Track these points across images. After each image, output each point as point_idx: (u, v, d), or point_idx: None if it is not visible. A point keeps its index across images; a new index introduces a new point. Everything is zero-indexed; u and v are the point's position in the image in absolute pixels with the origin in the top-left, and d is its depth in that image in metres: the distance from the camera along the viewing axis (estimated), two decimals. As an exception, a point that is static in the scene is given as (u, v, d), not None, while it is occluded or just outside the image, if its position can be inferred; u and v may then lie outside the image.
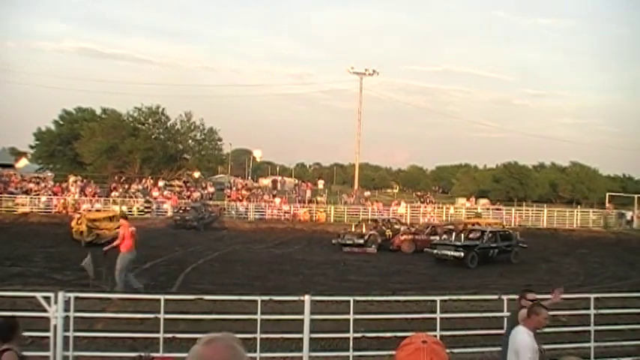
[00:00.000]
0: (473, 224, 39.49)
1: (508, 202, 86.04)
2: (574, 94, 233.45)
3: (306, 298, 10.81)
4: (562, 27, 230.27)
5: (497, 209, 62.33)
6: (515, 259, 31.49)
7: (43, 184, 57.42)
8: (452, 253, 29.59)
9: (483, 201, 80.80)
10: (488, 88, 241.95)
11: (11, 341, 6.64)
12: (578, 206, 78.19)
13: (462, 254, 29.03)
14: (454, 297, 14.04)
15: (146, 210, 50.25)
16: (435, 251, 30.74)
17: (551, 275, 27.19)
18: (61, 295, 10.42)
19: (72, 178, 60.16)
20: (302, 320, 10.69)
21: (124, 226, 19.32)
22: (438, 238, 33.69)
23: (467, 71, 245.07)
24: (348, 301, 11.25)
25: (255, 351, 10.31)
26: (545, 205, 70.02)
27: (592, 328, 11.86)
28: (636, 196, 62.77)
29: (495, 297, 12.78)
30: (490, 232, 32.11)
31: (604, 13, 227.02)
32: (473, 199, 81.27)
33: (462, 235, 32.13)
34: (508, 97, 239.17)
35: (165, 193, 56.97)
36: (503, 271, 28.10)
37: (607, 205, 61.46)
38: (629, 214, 56.65)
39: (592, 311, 12.08)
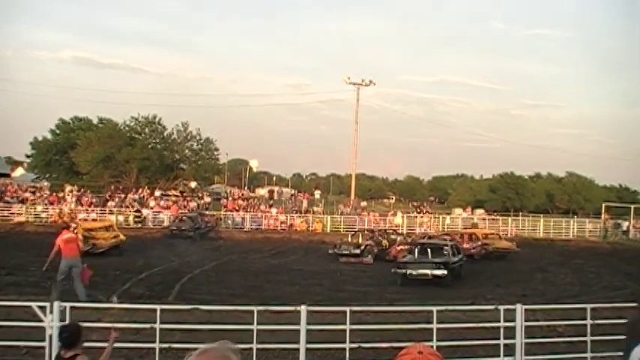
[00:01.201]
0: (423, 236, 39.53)
1: (504, 213, 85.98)
2: (570, 104, 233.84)
3: (303, 308, 10.81)
4: (559, 38, 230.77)
5: (494, 219, 62.33)
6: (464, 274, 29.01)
7: (39, 194, 57.45)
8: (433, 272, 25.93)
9: (480, 211, 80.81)
10: (485, 98, 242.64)
11: (76, 347, 6.95)
12: (575, 216, 78.26)
13: (445, 272, 25.88)
14: (450, 307, 14.04)
15: (137, 220, 50.22)
16: (409, 271, 26.12)
17: (547, 285, 27.20)
18: (56, 304, 10.41)
19: (68, 188, 60.11)
20: (298, 330, 10.69)
21: (59, 236, 19.31)
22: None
23: (463, 81, 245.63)
24: (345, 312, 11.25)
25: (251, 361, 10.32)
26: (541, 216, 70.06)
27: (588, 338, 11.86)
28: (632, 206, 62.81)
29: (492, 307, 12.79)
30: (452, 245, 29.58)
31: (600, 25, 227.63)
32: (469, 209, 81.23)
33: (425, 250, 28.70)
34: (505, 107, 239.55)
35: (162, 203, 56.88)
36: (499, 281, 28.10)
37: (603, 215, 61.48)
38: (625, 225, 56.70)
39: (588, 321, 12.08)
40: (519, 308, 11.60)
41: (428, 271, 25.98)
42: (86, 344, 10.99)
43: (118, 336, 8.09)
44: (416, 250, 28.69)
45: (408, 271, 26.07)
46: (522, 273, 30.84)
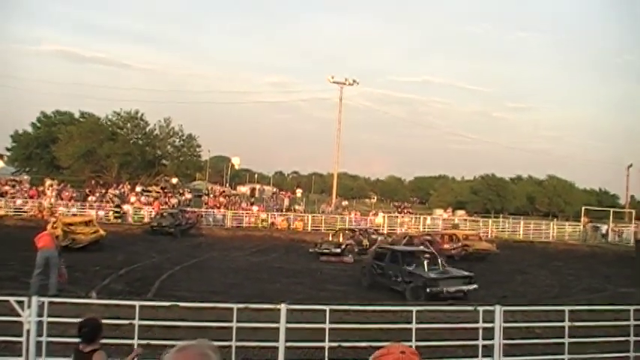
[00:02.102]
0: (404, 236, 39.54)
1: (485, 214, 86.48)
2: (552, 107, 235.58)
3: (283, 306, 10.80)
4: (541, 41, 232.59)
5: (475, 221, 62.60)
6: None
7: (18, 187, 56.91)
8: (467, 287, 22.48)
9: (460, 212, 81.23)
10: (468, 100, 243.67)
11: (95, 342, 7.10)
12: (555, 219, 78.77)
13: (477, 286, 22.89)
14: (430, 307, 14.08)
15: (116, 216, 50.12)
16: (445, 289, 21.70)
17: (526, 287, 27.34)
18: (34, 299, 10.35)
19: (48, 182, 59.66)
20: (278, 329, 10.68)
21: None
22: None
23: (446, 83, 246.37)
24: (324, 311, 11.26)
25: (230, 359, 10.28)
26: (521, 218, 70.54)
27: (566, 340, 11.93)
28: (611, 210, 63.38)
29: (471, 308, 12.83)
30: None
31: (583, 28, 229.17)
32: (450, 210, 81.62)
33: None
34: (487, 109, 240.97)
35: (143, 198, 56.64)
36: (479, 282, 28.14)
37: (583, 218, 61.91)
38: (604, 228, 57.12)
39: (566, 323, 12.14)
40: (498, 309, 11.65)
41: (465, 287, 22.42)
42: (66, 340, 10.99)
43: (142, 353, 8.10)
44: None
45: (445, 289, 21.57)
46: (502, 274, 30.98)
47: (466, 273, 23.58)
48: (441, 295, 21.40)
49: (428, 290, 21.48)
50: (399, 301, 19.98)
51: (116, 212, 50.63)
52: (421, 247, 29.31)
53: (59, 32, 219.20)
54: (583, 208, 66.28)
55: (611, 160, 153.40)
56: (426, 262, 23.44)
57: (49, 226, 28.51)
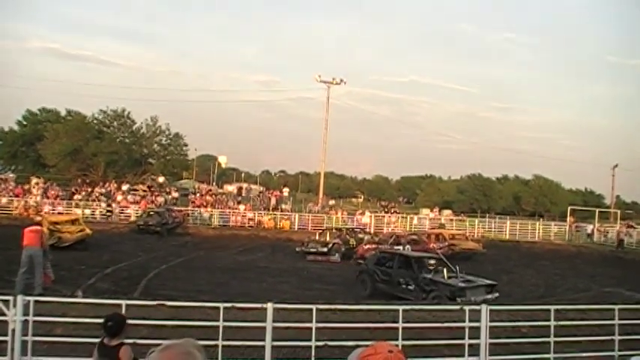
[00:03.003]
0: (390, 235, 39.56)
1: (472, 214, 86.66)
2: (538, 108, 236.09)
3: (269, 305, 10.80)
4: (527, 43, 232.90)
5: (461, 220, 62.73)
6: None
7: (4, 186, 56.57)
8: (490, 296, 20.93)
9: (447, 212, 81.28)
10: (454, 100, 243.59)
11: (119, 336, 7.36)
12: (541, 219, 79.06)
13: (498, 294, 21.61)
14: (416, 307, 14.12)
15: (107, 214, 50.04)
16: (473, 298, 19.81)
17: (512, 286, 27.42)
18: (19, 298, 10.30)
19: (34, 180, 59.36)
20: (264, 328, 10.68)
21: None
22: (401, 248, 33.40)
23: (433, 83, 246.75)
24: (311, 310, 11.27)
25: (216, 358, 10.28)
26: (508, 217, 70.74)
27: (552, 339, 11.99)
28: (597, 210, 63.76)
29: (457, 307, 12.88)
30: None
31: (568, 30, 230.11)
32: (437, 209, 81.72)
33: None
34: (473, 109, 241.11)
35: (129, 197, 56.47)
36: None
37: (569, 218, 62.27)
38: (589, 228, 57.43)
39: (552, 322, 12.21)
40: (484, 309, 11.70)
41: (489, 296, 20.74)
42: (52, 339, 10.96)
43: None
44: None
45: (475, 299, 19.65)
46: (488, 274, 30.97)
47: (488, 281, 22.09)
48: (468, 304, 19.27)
49: (458, 300, 19.48)
50: (384, 300, 19.98)
51: (108, 211, 50.59)
52: (432, 254, 27.89)
53: (44, 30, 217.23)
54: (569, 208, 66.77)
55: (597, 160, 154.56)
56: (445, 270, 21.86)
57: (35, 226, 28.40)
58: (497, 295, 21.16)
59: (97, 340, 7.95)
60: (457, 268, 22.31)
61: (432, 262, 23.61)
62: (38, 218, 29.95)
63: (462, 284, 20.88)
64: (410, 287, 21.85)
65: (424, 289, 21.26)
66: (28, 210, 47.02)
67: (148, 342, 7.91)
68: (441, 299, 20.13)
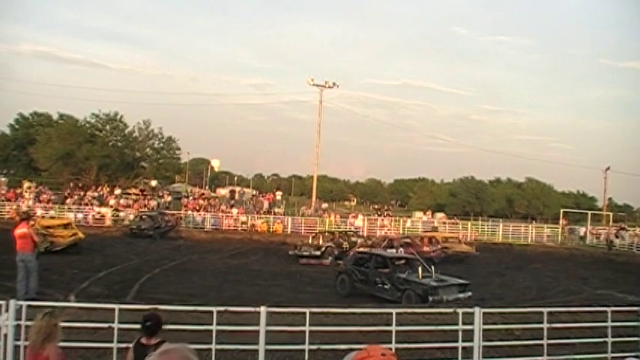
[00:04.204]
0: (383, 239, 39.63)
1: (464, 217, 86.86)
2: (530, 111, 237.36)
3: (262, 309, 10.80)
4: (520, 45, 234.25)
5: (454, 223, 62.78)
6: None
7: (-5, 190, 56.45)
8: (462, 295, 21.85)
9: (440, 215, 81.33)
10: (447, 103, 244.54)
11: (156, 335, 7.66)
12: (533, 221, 79.29)
13: (471, 294, 22.45)
14: (409, 310, 14.12)
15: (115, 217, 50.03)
16: (445, 297, 21.11)
17: (505, 289, 27.49)
18: (12, 302, 10.26)
19: (26, 184, 59.17)
20: (258, 332, 10.67)
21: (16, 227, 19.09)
22: (394, 251, 33.57)
23: (426, 86, 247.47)
24: (304, 313, 11.26)
25: (210, 362, 10.27)
26: (500, 220, 71.00)
27: (545, 341, 12.02)
28: (589, 212, 64.00)
29: (450, 310, 12.89)
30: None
31: (560, 32, 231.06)
32: (430, 212, 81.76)
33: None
34: (466, 112, 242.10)
35: (122, 201, 56.34)
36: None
37: (561, 220, 62.45)
38: (582, 230, 57.61)
39: (545, 325, 12.24)
40: (477, 311, 11.72)
41: (461, 295, 21.75)
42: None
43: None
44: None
45: (447, 297, 21.08)
46: (481, 277, 31.11)
47: (461, 281, 22.83)
48: (440, 303, 20.45)
49: (430, 299, 20.74)
50: (378, 303, 19.97)
51: (102, 214, 50.69)
52: (407, 254, 28.77)
53: (37, 33, 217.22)
54: (561, 210, 67.02)
55: (589, 162, 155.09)
56: (420, 269, 22.69)
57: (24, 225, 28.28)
58: (470, 294, 21.89)
59: (91, 345, 7.95)
60: (432, 268, 23.07)
61: (403, 261, 24.68)
62: (31, 222, 29.95)
63: (435, 283, 21.63)
64: (386, 286, 22.63)
65: (398, 288, 22.03)
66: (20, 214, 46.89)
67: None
68: (416, 297, 21.08)
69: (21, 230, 18.66)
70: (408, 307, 17.11)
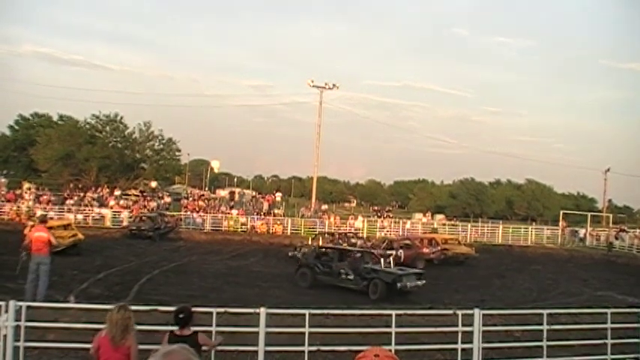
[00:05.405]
0: (383, 240, 39.82)
1: (464, 218, 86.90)
2: (530, 112, 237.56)
3: (262, 310, 10.79)
4: (520, 47, 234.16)
5: (454, 225, 62.78)
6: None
7: (-5, 191, 56.47)
8: (420, 282, 24.51)
9: (440, 216, 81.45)
10: (447, 104, 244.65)
11: (189, 326, 8.43)
12: (533, 223, 79.26)
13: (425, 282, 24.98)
14: (409, 311, 14.10)
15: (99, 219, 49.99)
16: (409, 284, 23.81)
17: (505, 290, 27.50)
18: (12, 303, 10.25)
19: (26, 185, 59.27)
20: (257, 333, 10.67)
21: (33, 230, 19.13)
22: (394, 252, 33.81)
23: (426, 87, 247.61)
24: (304, 314, 11.25)
25: (209, 363, 10.26)
26: (500, 222, 70.89)
27: (545, 343, 12.03)
28: (589, 214, 64.01)
29: (450, 312, 12.88)
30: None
31: (561, 34, 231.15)
32: (429, 214, 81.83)
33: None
34: (466, 113, 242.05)
35: (122, 202, 56.35)
36: (458, 286, 28.32)
37: (561, 222, 62.42)
38: (582, 232, 57.57)
39: (545, 327, 12.25)
40: (477, 313, 11.71)
41: (419, 282, 24.43)
42: (44, 345, 10.92)
43: (222, 342, 9.73)
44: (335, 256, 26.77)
45: (410, 284, 23.79)
46: (481, 278, 31.14)
47: (417, 270, 26.31)
48: (404, 290, 23.59)
49: (398, 285, 23.36)
50: (377, 306, 19.97)
51: (102, 216, 50.67)
52: (363, 248, 32.41)
53: (37, 34, 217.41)
54: (561, 212, 66.97)
55: (589, 164, 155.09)
56: (382, 261, 25.53)
57: (26, 230, 28.28)
58: (424, 281, 24.71)
59: (89, 346, 7.95)
60: (391, 259, 26.83)
61: (359, 255, 27.34)
62: (30, 223, 29.91)
63: (400, 272, 24.53)
64: (350, 277, 24.97)
65: (365, 277, 24.34)
66: (20, 215, 46.92)
67: (141, 347, 7.91)
68: (384, 285, 23.56)
69: (39, 233, 18.62)
70: (408, 308, 17.13)
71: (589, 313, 15.01)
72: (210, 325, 10.59)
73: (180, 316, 8.37)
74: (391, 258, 27.39)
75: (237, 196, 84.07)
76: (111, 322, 7.66)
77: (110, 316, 7.73)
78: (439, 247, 37.17)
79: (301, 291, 24.98)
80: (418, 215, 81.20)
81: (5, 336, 10.05)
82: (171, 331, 8.37)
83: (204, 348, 8.69)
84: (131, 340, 7.62)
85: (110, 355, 7.61)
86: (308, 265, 27.05)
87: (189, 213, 54.80)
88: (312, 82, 66.69)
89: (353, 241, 39.40)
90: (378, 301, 22.27)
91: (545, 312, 12.70)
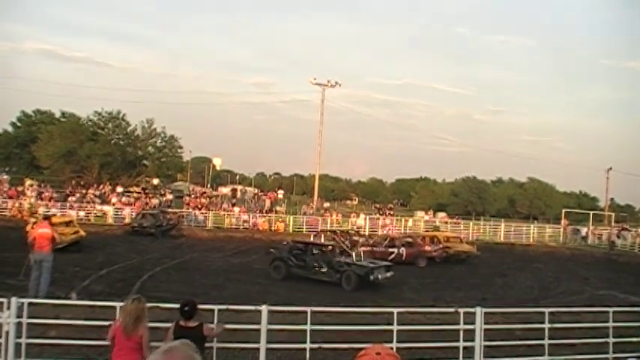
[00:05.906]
0: (385, 238, 39.67)
1: (466, 216, 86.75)
2: (532, 111, 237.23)
3: (264, 307, 10.80)
4: (522, 46, 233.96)
5: (456, 223, 62.72)
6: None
7: (-3, 187, 56.45)
8: (389, 274, 26.17)
9: (442, 214, 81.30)
10: (449, 102, 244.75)
11: (194, 318, 8.93)
12: (535, 221, 79.17)
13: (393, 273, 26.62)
14: (411, 309, 14.11)
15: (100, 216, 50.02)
16: (380, 276, 25.35)
17: (507, 289, 27.45)
18: (14, 300, 10.26)
19: (28, 182, 59.27)
20: (259, 330, 10.67)
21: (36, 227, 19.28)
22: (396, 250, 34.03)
23: (428, 85, 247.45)
24: (305, 312, 11.25)
25: (211, 361, 10.26)
26: (502, 220, 70.89)
27: (546, 342, 12.02)
28: (591, 212, 63.89)
29: (452, 310, 12.88)
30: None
31: (562, 34, 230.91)
32: (431, 212, 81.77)
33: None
34: (468, 112, 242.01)
35: (124, 199, 56.35)
36: (460, 284, 28.29)
37: (563, 221, 62.35)
38: (584, 230, 57.48)
39: (546, 325, 12.24)
40: (479, 311, 11.71)
41: (388, 274, 26.19)
42: (44, 341, 10.91)
43: (224, 329, 9.89)
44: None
45: (380, 276, 25.43)
46: (482, 277, 31.09)
47: (385, 263, 27.47)
48: (376, 282, 25.08)
49: (371, 277, 24.89)
50: (378, 304, 19.96)
51: (104, 212, 50.71)
52: (330, 242, 33.36)
53: (39, 31, 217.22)
54: (563, 210, 66.94)
55: (591, 163, 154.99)
56: (354, 254, 27.35)
57: (28, 227, 28.27)
58: (392, 273, 26.25)
59: (92, 343, 7.99)
60: (362, 254, 28.63)
61: (330, 248, 28.68)
62: (32, 220, 29.90)
63: (371, 265, 25.82)
64: (323, 270, 26.18)
65: (338, 270, 25.66)
66: (22, 212, 46.89)
67: (142, 344, 7.92)
68: (357, 277, 25.00)
69: (43, 230, 18.65)
70: (410, 306, 17.12)
71: (591, 312, 15.01)
72: (212, 322, 10.60)
73: (185, 309, 8.89)
74: (361, 251, 29.85)
75: (239, 194, 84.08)
76: (125, 313, 8.16)
77: (125, 306, 8.29)
78: (441, 245, 37.09)
79: (301, 288, 24.96)
80: (420, 213, 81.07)
81: (7, 332, 10.06)
82: (177, 322, 8.90)
83: (208, 339, 9.22)
84: (143, 330, 8.04)
85: (123, 344, 7.98)
86: (282, 259, 27.92)
87: (191, 210, 54.82)
88: (315, 79, 66.72)
89: (355, 239, 39.32)
90: (352, 292, 24.19)
91: (546, 310, 12.70)
